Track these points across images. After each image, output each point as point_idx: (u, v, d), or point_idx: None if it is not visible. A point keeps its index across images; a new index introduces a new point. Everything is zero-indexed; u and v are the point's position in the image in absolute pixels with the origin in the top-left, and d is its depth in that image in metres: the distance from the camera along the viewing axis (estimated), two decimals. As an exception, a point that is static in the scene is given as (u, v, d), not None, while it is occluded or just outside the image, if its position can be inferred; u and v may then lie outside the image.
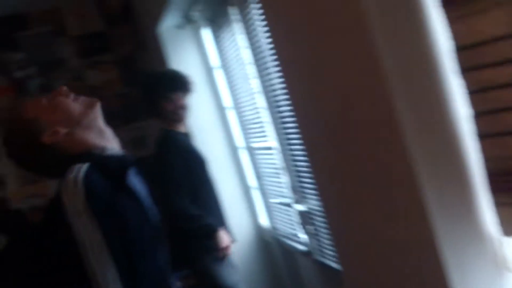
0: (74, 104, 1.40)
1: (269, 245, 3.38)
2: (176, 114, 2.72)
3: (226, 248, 2.62)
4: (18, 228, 3.33)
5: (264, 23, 2.22)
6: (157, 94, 2.72)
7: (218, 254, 2.61)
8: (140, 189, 1.43)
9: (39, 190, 3.88)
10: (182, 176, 2.60)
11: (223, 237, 2.60)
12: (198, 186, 2.68)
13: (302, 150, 2.34)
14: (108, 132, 1.44)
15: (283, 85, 2.26)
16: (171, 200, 2.55)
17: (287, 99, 2.31)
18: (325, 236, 2.39)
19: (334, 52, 1.45)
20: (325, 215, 1.95)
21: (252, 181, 3.37)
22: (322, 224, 2.38)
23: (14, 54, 3.89)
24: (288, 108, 2.34)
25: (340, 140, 1.57)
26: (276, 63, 2.26)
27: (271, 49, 2.25)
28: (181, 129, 2.79)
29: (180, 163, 2.61)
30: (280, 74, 2.28)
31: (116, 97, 4.08)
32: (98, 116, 1.42)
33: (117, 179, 1.32)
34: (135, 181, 1.40)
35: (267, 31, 2.24)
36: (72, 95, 1.42)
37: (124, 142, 3.95)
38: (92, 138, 1.38)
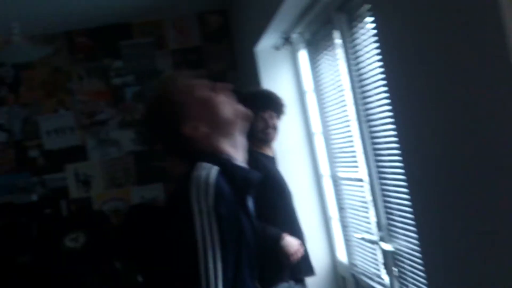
0: (228, 107, 1.36)
1: (345, 282, 3.22)
2: (265, 134, 2.62)
3: (296, 253, 2.45)
4: (102, 228, 3.41)
5: (372, 49, 2.14)
6: None
7: (287, 266, 2.46)
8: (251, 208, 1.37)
9: (122, 194, 3.97)
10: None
11: (291, 242, 2.44)
12: (275, 212, 2.56)
13: (394, 185, 2.21)
14: (243, 145, 1.39)
15: (383, 115, 2.16)
16: None
17: (384, 130, 2.20)
18: (410, 280, 2.22)
19: (461, 87, 1.32)
20: (423, 261, 1.78)
21: (333, 212, 3.24)
22: (409, 267, 2.22)
23: (115, 61, 4.05)
24: (384, 139, 2.22)
25: (452, 182, 1.43)
26: (378, 90, 2.16)
27: (376, 75, 2.14)
28: (267, 151, 2.70)
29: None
30: (380, 102, 2.18)
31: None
32: (244, 131, 1.38)
33: (239, 192, 1.28)
34: (250, 199, 1.36)
35: (375, 55, 2.14)
36: (232, 98, 1.38)
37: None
38: (227, 145, 1.34)
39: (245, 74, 3.96)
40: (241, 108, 1.37)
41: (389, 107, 2.00)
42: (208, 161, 1.26)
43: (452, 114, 1.37)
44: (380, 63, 2.00)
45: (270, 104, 2.65)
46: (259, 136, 2.64)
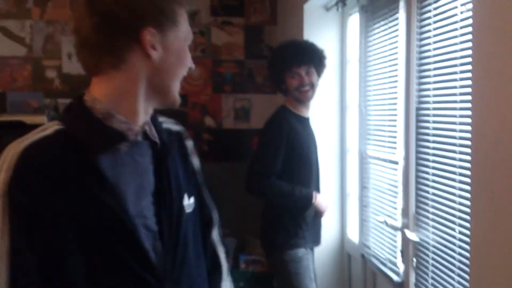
0: (178, 83, 1.08)
1: (351, 260, 3.14)
2: (300, 93, 2.49)
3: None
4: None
5: (447, 24, 1.94)
6: (281, 67, 2.51)
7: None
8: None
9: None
10: (276, 152, 2.47)
11: (322, 202, 2.58)
12: (293, 177, 2.51)
13: (434, 174, 2.06)
14: (148, 111, 1.07)
15: (442, 98, 1.99)
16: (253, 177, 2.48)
17: (438, 115, 2.03)
18: (430, 274, 2.11)
19: None
20: (471, 260, 1.63)
21: (352, 189, 3.11)
22: (431, 261, 2.10)
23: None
24: (434, 124, 2.06)
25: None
26: (442, 71, 1.98)
27: (444, 54, 1.95)
28: (302, 111, 2.58)
29: (279, 140, 2.46)
30: (441, 85, 2.00)
31: (233, 63, 3.95)
32: (179, 79, 1.08)
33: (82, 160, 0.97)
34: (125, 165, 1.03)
35: (452, 32, 1.95)
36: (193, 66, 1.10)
37: (227, 110, 3.94)
38: (129, 103, 1.03)
39: (285, 31, 3.75)
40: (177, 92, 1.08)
41: (455, 92, 1.84)
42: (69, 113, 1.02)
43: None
44: (456, 43, 1.81)
45: (307, 58, 2.49)
46: (294, 95, 2.51)
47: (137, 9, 0.98)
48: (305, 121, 2.61)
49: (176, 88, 1.07)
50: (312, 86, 2.49)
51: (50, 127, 1.00)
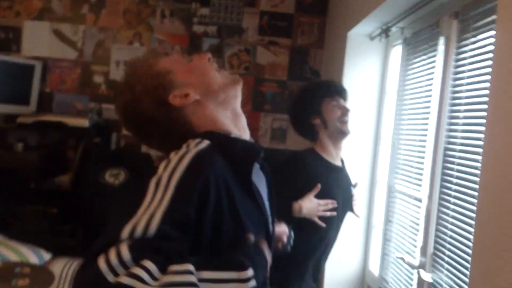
0: (216, 73, 1.23)
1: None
2: (343, 123, 2.23)
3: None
4: (145, 171, 3.36)
5: (479, 67, 1.91)
6: (319, 97, 2.27)
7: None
8: (261, 189, 1.21)
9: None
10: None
11: (307, 203, 2.12)
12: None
13: (454, 217, 2.01)
14: (242, 119, 1.26)
15: (467, 141, 1.94)
16: None
17: (462, 157, 1.99)
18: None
19: None
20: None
21: (377, 222, 3.06)
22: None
23: (202, 8, 3.94)
24: (458, 166, 2.01)
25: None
26: (470, 114, 1.94)
27: (475, 96, 1.92)
28: (333, 157, 2.28)
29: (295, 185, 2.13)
30: (468, 127, 1.96)
31: (275, 82, 3.98)
32: (237, 97, 1.24)
33: (241, 168, 1.13)
34: (257, 177, 1.20)
35: (480, 75, 1.91)
36: (215, 65, 1.25)
37: (265, 128, 3.85)
38: (223, 118, 1.21)
39: (329, 56, 3.76)
40: (227, 72, 1.25)
41: (481, 136, 1.79)
42: (204, 138, 1.12)
43: None
44: (486, 83, 1.78)
45: (345, 93, 2.32)
46: (336, 126, 2.23)
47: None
48: (337, 170, 2.31)
49: (219, 81, 1.23)
50: (341, 122, 2.25)
51: (201, 144, 1.11)
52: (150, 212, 0.97)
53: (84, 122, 3.43)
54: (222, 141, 1.14)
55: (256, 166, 1.19)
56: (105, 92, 3.90)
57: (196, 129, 1.18)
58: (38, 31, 3.86)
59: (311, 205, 2.12)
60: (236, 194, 1.08)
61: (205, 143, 1.11)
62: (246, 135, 1.24)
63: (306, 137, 2.33)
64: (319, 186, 2.15)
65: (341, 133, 2.25)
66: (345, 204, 2.32)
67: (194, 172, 1.03)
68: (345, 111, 2.24)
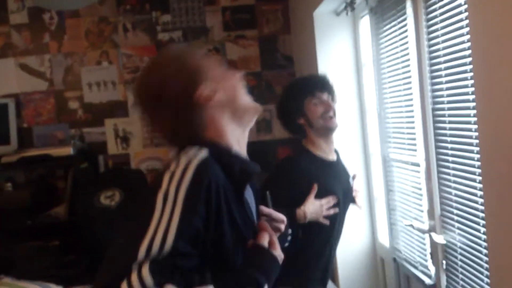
0: (245, 93, 1.28)
1: (384, 264, 3.09)
2: (327, 120, 2.21)
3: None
4: (139, 187, 3.33)
5: (453, 23, 1.91)
6: (301, 95, 2.24)
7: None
8: (250, 199, 1.26)
9: (160, 154, 3.89)
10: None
11: (310, 207, 2.10)
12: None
13: (455, 175, 2.02)
14: (245, 141, 1.30)
15: (455, 98, 1.95)
16: None
17: (453, 115, 1.99)
18: (460, 276, 2.07)
19: None
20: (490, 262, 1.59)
21: (379, 194, 3.07)
22: (460, 263, 2.06)
23: (163, 16, 3.90)
24: (450, 125, 2.02)
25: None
26: (453, 70, 1.94)
27: (454, 53, 1.92)
28: (326, 153, 2.27)
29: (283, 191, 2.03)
30: (453, 84, 1.96)
31: (251, 75, 3.96)
32: (252, 122, 1.30)
33: (236, 184, 1.17)
34: (247, 190, 1.24)
35: (456, 31, 1.91)
36: (245, 86, 1.30)
37: None
38: (231, 133, 1.24)
39: (298, 39, 3.75)
40: (252, 100, 1.30)
41: (468, 91, 1.80)
42: (204, 146, 1.16)
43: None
44: (463, 39, 1.78)
45: (329, 85, 2.27)
46: (320, 124, 2.21)
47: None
48: (332, 165, 2.29)
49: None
50: (335, 115, 2.23)
51: (199, 149, 1.14)
52: (163, 229, 0.99)
53: (68, 150, 3.39)
54: (223, 155, 1.17)
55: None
56: (82, 116, 3.85)
57: (203, 133, 1.20)
58: (3, 68, 3.78)
59: (314, 208, 2.13)
60: (232, 203, 1.13)
61: (204, 151, 1.12)
62: (244, 154, 1.28)
63: (297, 136, 2.33)
64: (315, 186, 2.15)
65: (327, 129, 2.23)
66: (346, 197, 2.31)
67: (199, 182, 1.05)
68: (327, 107, 2.21)
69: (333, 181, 2.24)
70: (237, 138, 1.25)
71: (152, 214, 1.01)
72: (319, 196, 2.15)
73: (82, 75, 3.85)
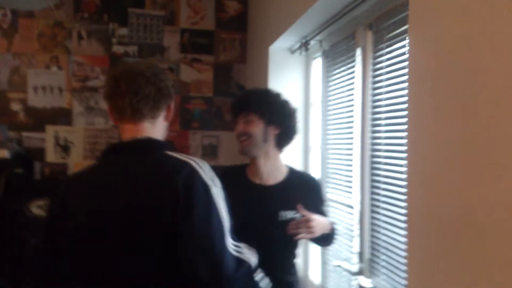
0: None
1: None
2: (240, 142, 2.07)
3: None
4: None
5: (395, 76, 1.99)
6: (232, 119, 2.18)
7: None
8: None
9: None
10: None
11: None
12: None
13: (386, 221, 2.08)
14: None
15: (391, 147, 2.02)
16: None
17: (387, 163, 2.06)
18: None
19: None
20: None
21: (314, 230, 3.11)
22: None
23: (120, 28, 3.87)
24: (385, 172, 2.09)
25: (455, 234, 1.30)
26: (391, 121, 2.02)
27: (393, 104, 2.00)
28: (251, 173, 2.11)
29: None
30: (390, 134, 2.04)
31: (202, 99, 3.97)
32: None
33: None
34: None
35: (397, 83, 2.00)
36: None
37: (195, 146, 3.74)
38: None
39: (253, 70, 3.80)
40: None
41: (402, 142, 1.88)
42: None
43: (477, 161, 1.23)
44: (403, 92, 1.87)
45: (245, 105, 2.06)
46: (239, 148, 2.08)
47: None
48: (253, 189, 2.08)
49: None
50: (250, 137, 2.02)
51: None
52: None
53: (3, 153, 3.26)
54: None
55: None
56: (24, 120, 3.72)
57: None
58: None
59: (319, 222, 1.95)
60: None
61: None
62: None
63: None
64: None
65: (242, 153, 2.09)
66: (271, 228, 2.01)
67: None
68: (236, 133, 2.08)
69: (251, 205, 2.03)
70: None
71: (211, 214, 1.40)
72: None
73: (28, 77, 3.75)
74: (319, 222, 1.93)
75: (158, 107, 1.48)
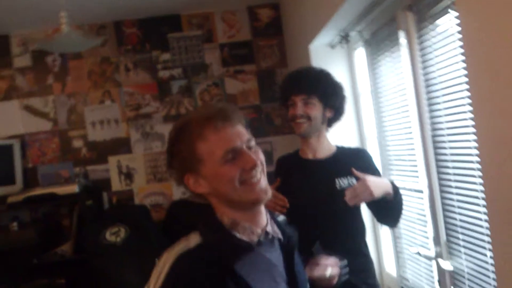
0: (240, 188, 1.20)
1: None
2: (294, 124, 2.06)
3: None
4: (144, 223, 3.34)
5: (445, 52, 1.97)
6: (282, 99, 2.16)
7: None
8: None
9: (163, 189, 3.91)
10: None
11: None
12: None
13: (459, 200, 2.04)
14: (257, 218, 1.24)
15: (454, 124, 1.99)
16: None
17: (452, 140, 2.03)
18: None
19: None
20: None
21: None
22: (469, 288, 2.06)
23: (163, 54, 3.99)
24: (451, 150, 2.06)
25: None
26: (449, 97, 1.99)
27: (448, 80, 1.97)
28: (305, 151, 2.15)
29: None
30: (450, 111, 2.01)
31: (250, 108, 4.03)
32: (258, 208, 1.24)
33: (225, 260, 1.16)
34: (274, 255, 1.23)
35: (449, 58, 1.97)
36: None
37: None
38: (228, 212, 1.22)
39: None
40: (254, 189, 1.20)
41: (466, 116, 1.84)
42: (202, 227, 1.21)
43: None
44: (458, 66, 1.84)
45: (305, 86, 2.04)
46: (293, 128, 2.11)
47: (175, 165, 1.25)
48: (307, 164, 2.15)
49: (236, 192, 1.19)
50: (309, 119, 2.03)
51: (193, 240, 1.18)
52: None
53: (73, 189, 3.42)
54: (211, 234, 1.20)
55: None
56: (86, 155, 3.90)
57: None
58: (8, 110, 3.86)
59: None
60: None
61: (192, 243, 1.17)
62: (257, 228, 1.23)
63: None
64: (278, 180, 2.07)
65: (299, 134, 2.11)
66: (331, 198, 2.03)
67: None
68: (294, 112, 2.06)
69: (307, 179, 2.11)
70: (241, 217, 1.21)
71: None
72: (285, 192, 1.98)
73: (85, 114, 3.92)
74: (376, 181, 1.91)
75: None
